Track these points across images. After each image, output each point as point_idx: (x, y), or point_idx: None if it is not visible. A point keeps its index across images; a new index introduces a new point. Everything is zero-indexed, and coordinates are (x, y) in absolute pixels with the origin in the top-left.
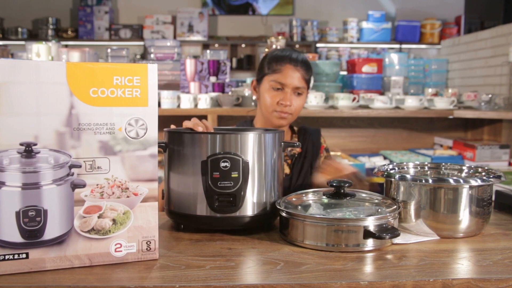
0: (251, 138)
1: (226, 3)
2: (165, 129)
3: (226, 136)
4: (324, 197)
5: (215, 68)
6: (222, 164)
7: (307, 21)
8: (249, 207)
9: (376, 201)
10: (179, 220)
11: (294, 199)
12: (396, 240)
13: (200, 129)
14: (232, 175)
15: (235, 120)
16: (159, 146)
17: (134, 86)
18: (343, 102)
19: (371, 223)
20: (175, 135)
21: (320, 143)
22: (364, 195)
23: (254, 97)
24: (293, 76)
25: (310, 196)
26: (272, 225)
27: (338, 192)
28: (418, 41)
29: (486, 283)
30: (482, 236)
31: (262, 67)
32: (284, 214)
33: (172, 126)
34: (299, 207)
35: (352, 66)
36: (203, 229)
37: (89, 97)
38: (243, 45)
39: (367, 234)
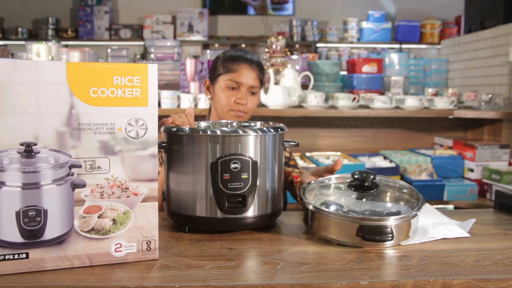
0: (258, 138)
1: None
2: (162, 129)
3: (233, 137)
4: (348, 188)
5: None
6: (233, 166)
7: (307, 21)
8: (257, 207)
9: (399, 193)
10: (183, 222)
11: (318, 191)
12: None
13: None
14: (242, 176)
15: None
16: (161, 147)
17: (134, 86)
18: (343, 102)
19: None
20: (178, 136)
21: None
22: (391, 183)
23: (208, 97)
24: (248, 76)
25: (333, 187)
26: (274, 224)
27: (362, 185)
28: (418, 41)
29: (486, 283)
30: (482, 236)
31: (216, 67)
32: (311, 208)
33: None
34: (324, 199)
35: (352, 66)
36: (209, 230)
37: (89, 97)
38: (243, 45)
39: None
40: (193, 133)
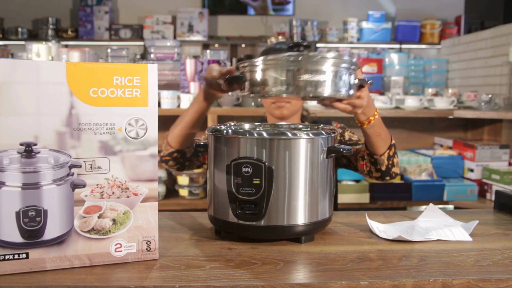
0: (279, 143)
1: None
2: (207, 131)
3: (248, 140)
4: None
5: None
6: (244, 170)
7: (307, 21)
8: (277, 217)
9: None
10: (213, 223)
11: None
12: (405, 235)
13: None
14: (254, 182)
15: (236, 120)
16: (200, 146)
17: (134, 86)
18: None
19: None
20: (213, 137)
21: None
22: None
23: (259, 99)
24: None
25: None
26: (300, 239)
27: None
28: (418, 41)
29: (486, 283)
30: (482, 236)
31: None
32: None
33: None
34: None
35: None
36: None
37: (89, 97)
38: (243, 45)
39: None
40: (217, 134)
